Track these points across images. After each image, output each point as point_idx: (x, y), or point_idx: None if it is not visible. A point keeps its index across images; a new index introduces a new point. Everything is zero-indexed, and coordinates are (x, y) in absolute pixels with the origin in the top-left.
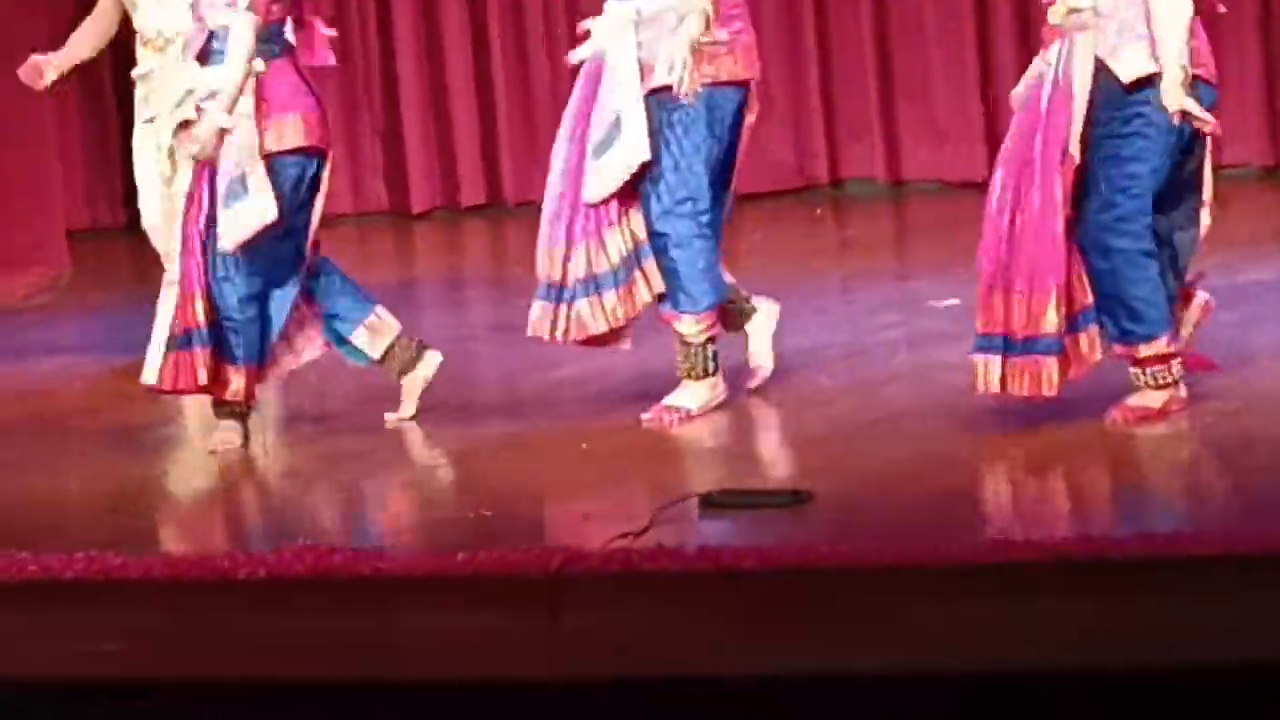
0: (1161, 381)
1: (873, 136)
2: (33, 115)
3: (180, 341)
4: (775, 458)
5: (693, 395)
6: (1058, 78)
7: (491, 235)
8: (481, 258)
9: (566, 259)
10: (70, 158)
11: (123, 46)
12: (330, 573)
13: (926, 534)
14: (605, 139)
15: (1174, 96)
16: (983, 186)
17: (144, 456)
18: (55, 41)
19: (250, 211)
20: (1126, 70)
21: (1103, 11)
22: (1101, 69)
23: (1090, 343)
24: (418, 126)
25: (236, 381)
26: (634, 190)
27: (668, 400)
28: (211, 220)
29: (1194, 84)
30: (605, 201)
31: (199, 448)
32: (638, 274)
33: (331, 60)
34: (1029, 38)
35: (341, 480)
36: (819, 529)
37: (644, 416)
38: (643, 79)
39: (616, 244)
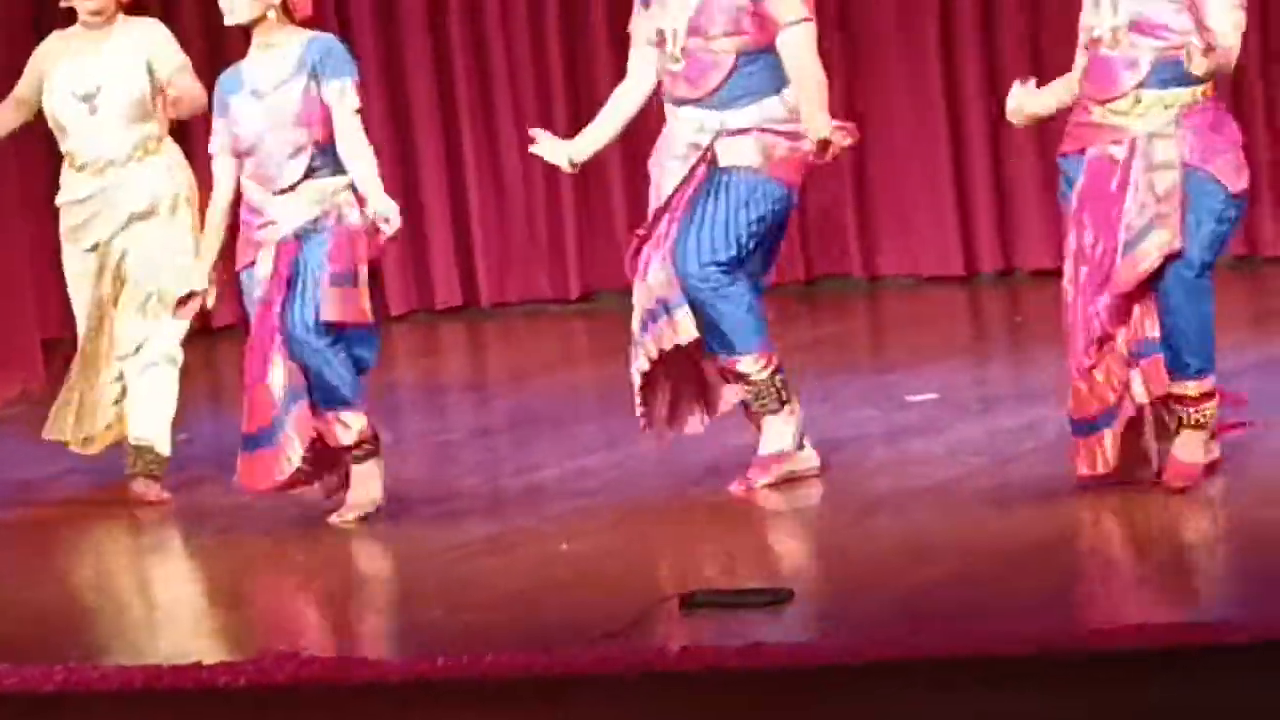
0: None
1: (847, 234)
2: (4, 227)
3: (262, 439)
4: (757, 556)
5: (779, 432)
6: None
7: (468, 337)
8: (459, 360)
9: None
10: (42, 268)
11: None
12: (310, 681)
13: (911, 628)
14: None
15: None
16: (956, 280)
17: (122, 566)
18: None
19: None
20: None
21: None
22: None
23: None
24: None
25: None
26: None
27: (761, 453)
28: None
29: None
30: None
31: (177, 555)
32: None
33: None
34: (998, 135)
35: (322, 585)
36: (803, 627)
37: (738, 486)
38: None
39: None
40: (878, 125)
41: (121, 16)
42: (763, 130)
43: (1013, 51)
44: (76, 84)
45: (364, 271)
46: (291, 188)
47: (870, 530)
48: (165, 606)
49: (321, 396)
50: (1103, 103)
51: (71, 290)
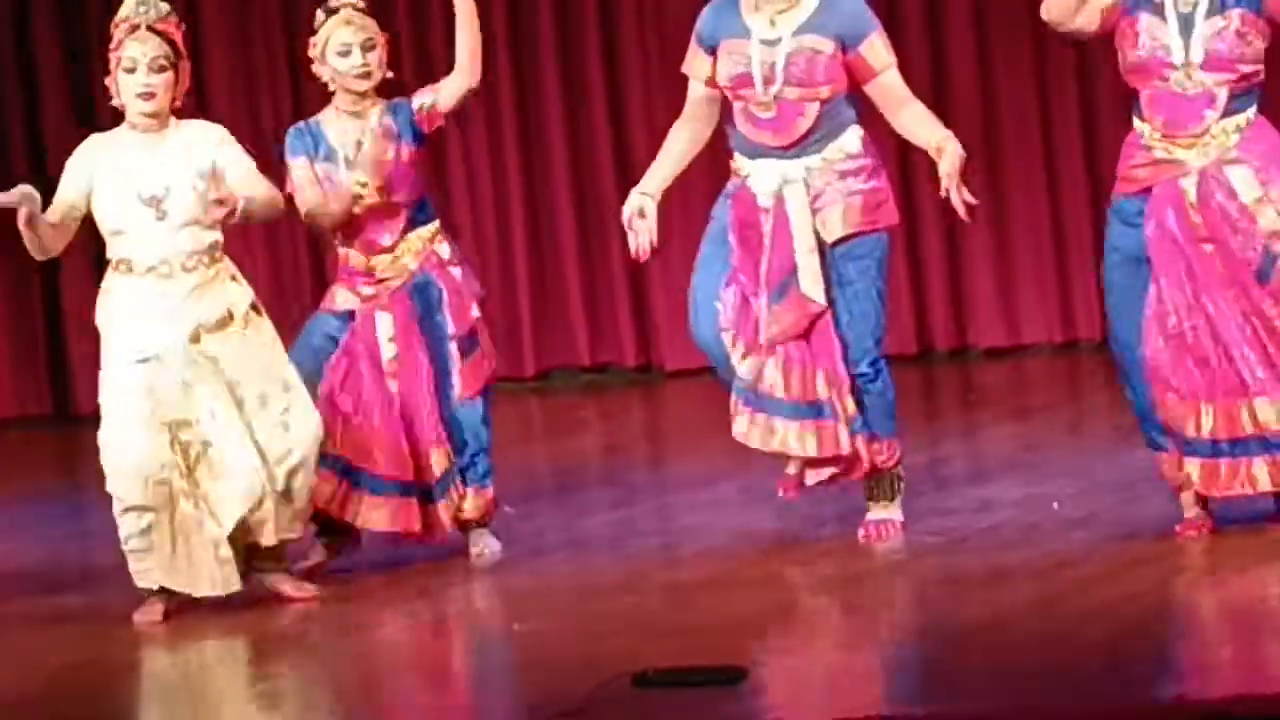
0: None
1: None
2: None
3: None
4: (711, 630)
5: (889, 509)
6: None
7: None
8: None
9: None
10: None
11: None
12: None
13: (863, 706)
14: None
15: None
16: (909, 359)
17: (76, 644)
18: None
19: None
20: None
21: None
22: None
23: None
24: None
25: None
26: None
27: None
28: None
29: None
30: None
31: (134, 631)
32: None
33: None
34: (952, 215)
35: (277, 648)
36: (757, 705)
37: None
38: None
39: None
40: None
41: (173, 119)
42: (843, 177)
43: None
44: (141, 187)
45: None
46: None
47: (822, 608)
48: (118, 685)
49: None
50: (1174, 138)
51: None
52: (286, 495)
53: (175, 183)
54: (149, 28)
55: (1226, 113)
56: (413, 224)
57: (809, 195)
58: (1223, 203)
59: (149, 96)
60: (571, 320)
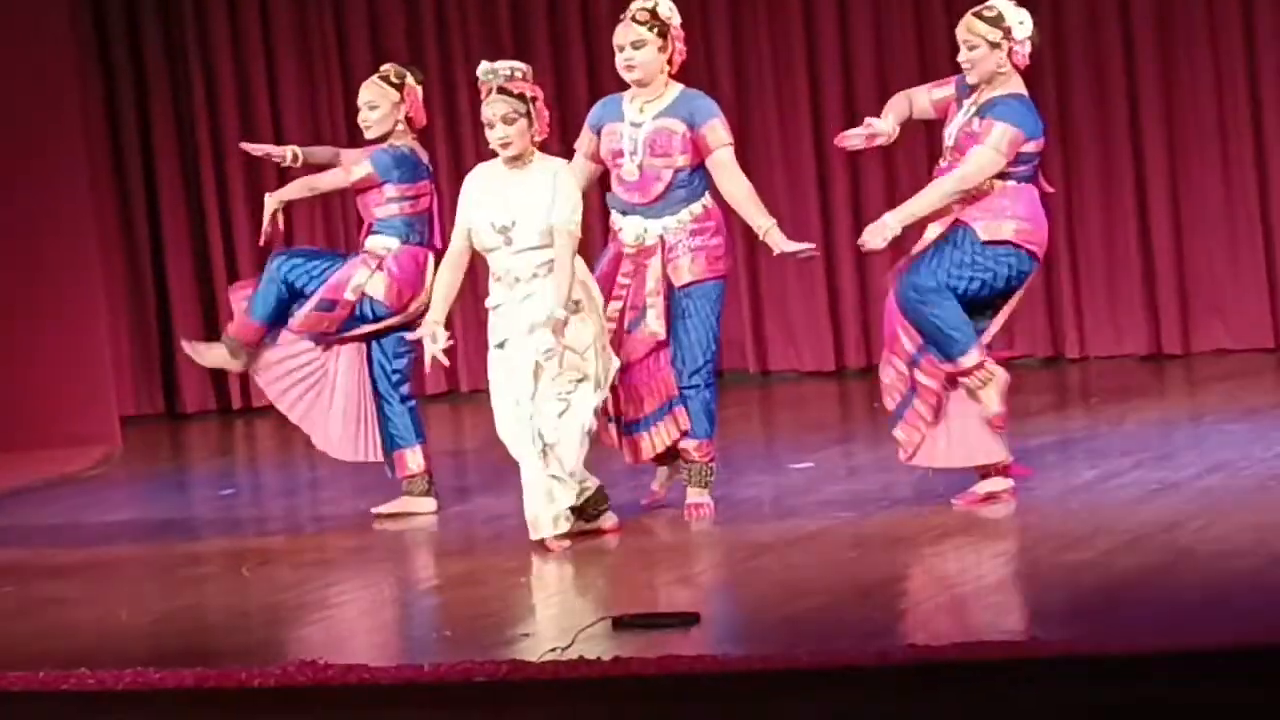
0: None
1: (744, 337)
2: (85, 317)
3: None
4: (673, 585)
5: (703, 495)
6: None
7: (451, 417)
8: (443, 435)
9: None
10: (118, 355)
11: (158, 254)
12: (326, 683)
13: (791, 644)
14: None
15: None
16: (828, 375)
17: (179, 592)
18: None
19: None
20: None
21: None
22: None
23: None
24: None
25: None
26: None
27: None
28: None
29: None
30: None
31: (227, 578)
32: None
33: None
34: (865, 257)
35: (333, 607)
36: (707, 643)
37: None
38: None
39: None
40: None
41: (537, 153)
42: (692, 235)
43: (872, 176)
44: (497, 216)
45: None
46: None
47: (760, 568)
48: (213, 623)
49: None
50: None
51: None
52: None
53: (523, 212)
54: (499, 89)
55: None
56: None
57: (664, 248)
58: None
59: (505, 145)
60: None
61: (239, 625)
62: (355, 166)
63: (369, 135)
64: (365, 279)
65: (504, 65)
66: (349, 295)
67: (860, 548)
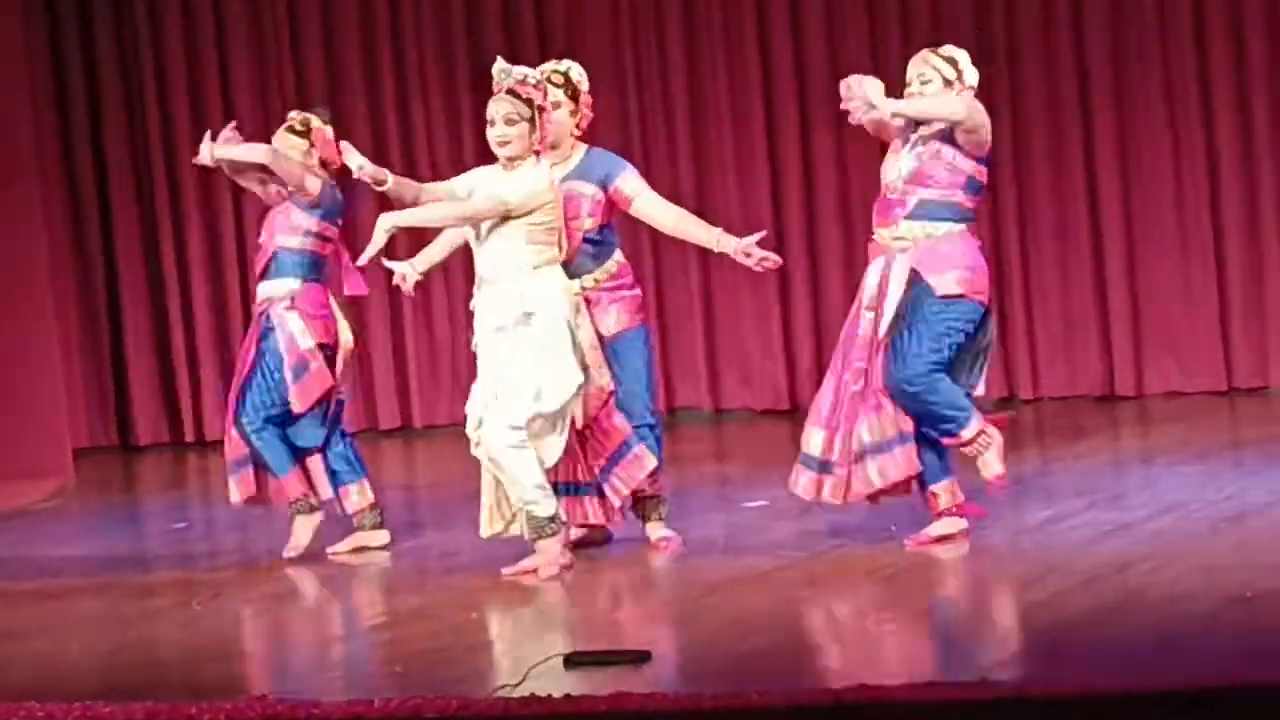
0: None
1: (698, 374)
2: (39, 349)
3: None
4: (625, 623)
5: (664, 528)
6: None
7: (405, 452)
8: (395, 470)
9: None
10: (72, 386)
11: (113, 287)
12: (277, 718)
13: (742, 682)
14: None
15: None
16: (781, 414)
17: (131, 625)
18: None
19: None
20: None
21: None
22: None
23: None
24: None
25: None
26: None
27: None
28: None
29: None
30: None
31: (179, 612)
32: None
33: (364, 290)
34: (818, 292)
35: (285, 642)
36: (658, 681)
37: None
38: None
39: None
40: (724, 288)
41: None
42: (611, 290)
43: (828, 214)
44: None
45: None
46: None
47: (712, 606)
48: (164, 657)
49: None
50: None
51: None
52: None
53: None
54: (508, 90)
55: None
56: None
57: (587, 303)
58: None
59: (502, 144)
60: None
61: (190, 660)
62: (310, 179)
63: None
64: (299, 324)
65: (519, 69)
66: (306, 344)
67: (813, 587)
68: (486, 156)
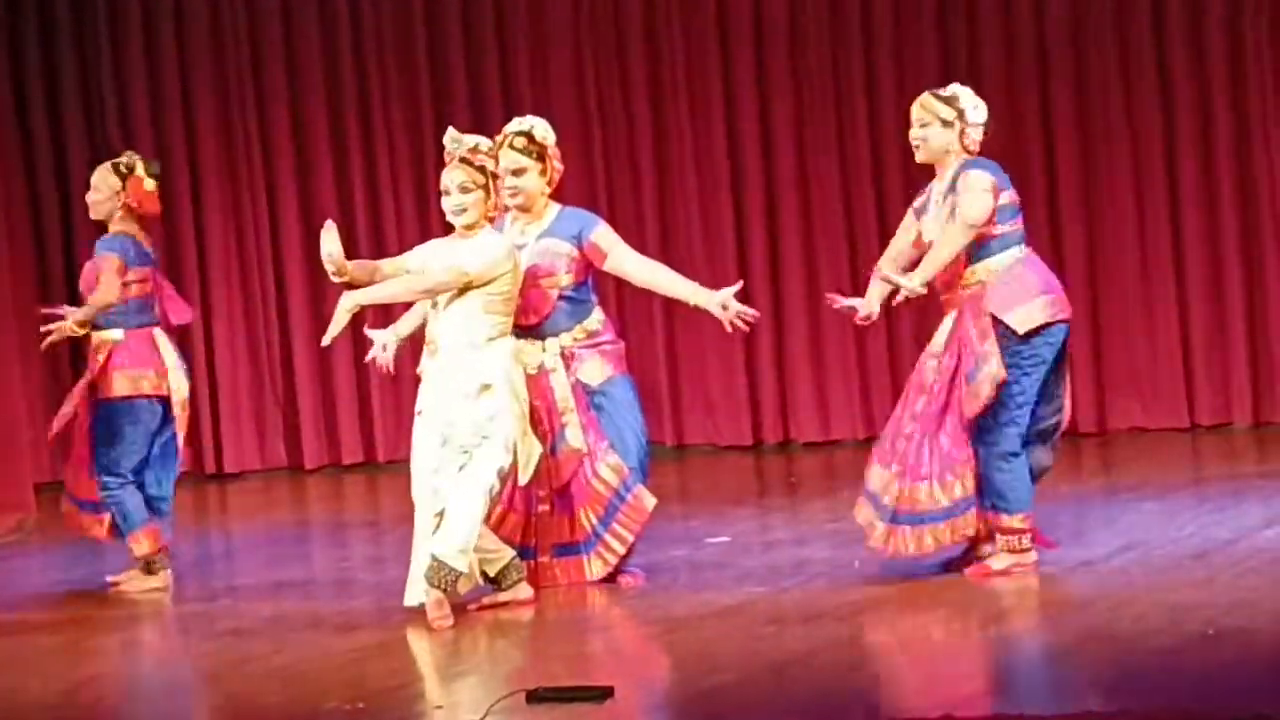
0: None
1: (661, 409)
2: (1, 385)
3: None
4: (588, 658)
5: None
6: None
7: (368, 487)
8: (359, 506)
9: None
10: (33, 420)
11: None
12: None
13: (711, 718)
14: None
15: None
16: (745, 449)
17: (90, 661)
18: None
19: None
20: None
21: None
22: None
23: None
24: (309, 400)
25: None
26: None
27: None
28: None
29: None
30: None
31: (136, 654)
32: None
33: (189, 316)
34: (781, 327)
35: (246, 677)
36: (623, 715)
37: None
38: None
39: None
40: (688, 326)
41: (488, 225)
42: (591, 345)
43: (792, 254)
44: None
45: None
46: None
47: (676, 642)
48: (124, 696)
49: None
50: None
51: None
52: None
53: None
54: (461, 159)
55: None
56: None
57: (567, 358)
58: None
59: (458, 212)
60: None
61: (149, 695)
62: (106, 269)
63: (93, 216)
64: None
65: (470, 138)
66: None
67: (777, 623)
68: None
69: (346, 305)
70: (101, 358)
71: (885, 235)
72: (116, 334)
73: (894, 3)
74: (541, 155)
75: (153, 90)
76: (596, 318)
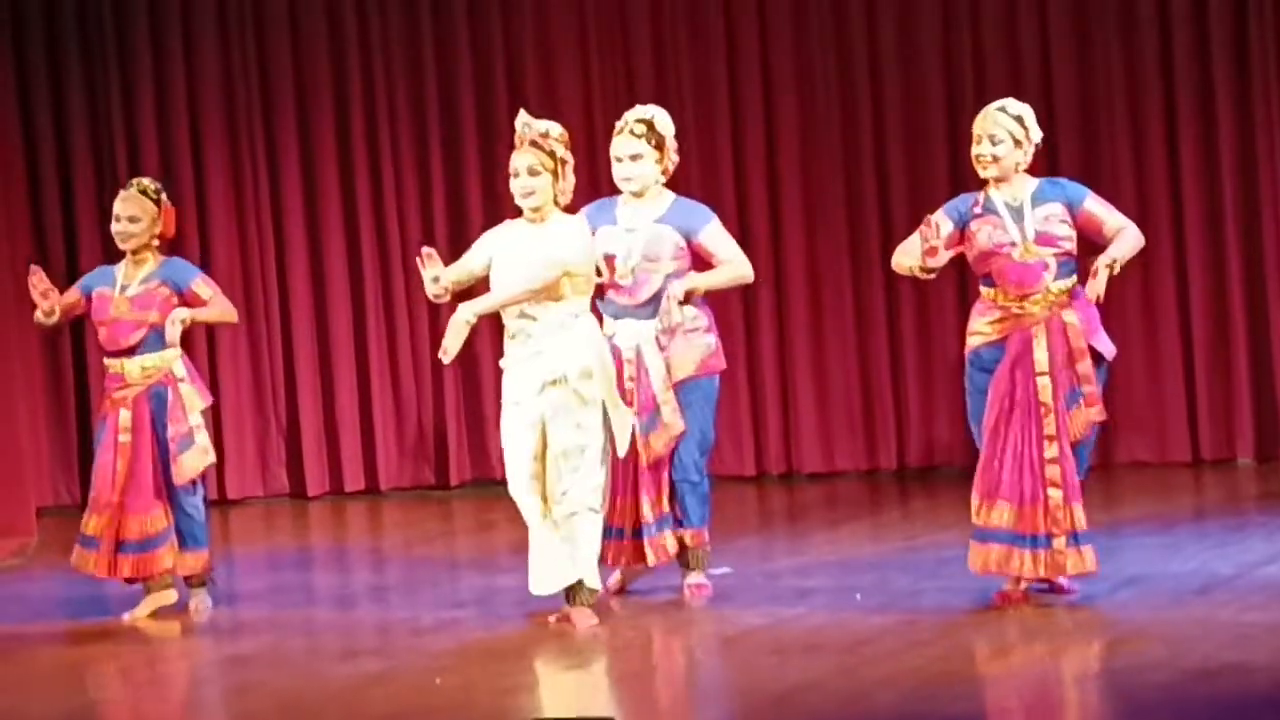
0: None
1: None
2: (5, 410)
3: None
4: (588, 687)
5: (700, 575)
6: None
7: (370, 515)
8: (361, 533)
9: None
10: (36, 445)
11: (79, 347)
12: None
13: None
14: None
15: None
16: (748, 480)
17: (93, 688)
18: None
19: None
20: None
21: None
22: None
23: None
24: (312, 429)
25: None
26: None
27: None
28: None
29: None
30: None
31: (138, 680)
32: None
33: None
34: (784, 359)
35: (248, 704)
36: None
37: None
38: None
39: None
40: None
41: (556, 211)
42: (686, 334)
43: (796, 283)
44: (509, 268)
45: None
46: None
47: (676, 672)
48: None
49: None
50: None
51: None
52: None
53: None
54: (531, 142)
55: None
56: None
57: (660, 346)
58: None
59: (527, 195)
60: (486, 437)
61: None
62: (213, 286)
63: (129, 246)
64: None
65: (541, 123)
66: (195, 420)
67: (778, 654)
68: (454, 218)
69: (465, 317)
70: (182, 373)
71: (888, 266)
72: (176, 354)
73: (898, 13)
74: (660, 144)
75: (160, 113)
76: (694, 306)
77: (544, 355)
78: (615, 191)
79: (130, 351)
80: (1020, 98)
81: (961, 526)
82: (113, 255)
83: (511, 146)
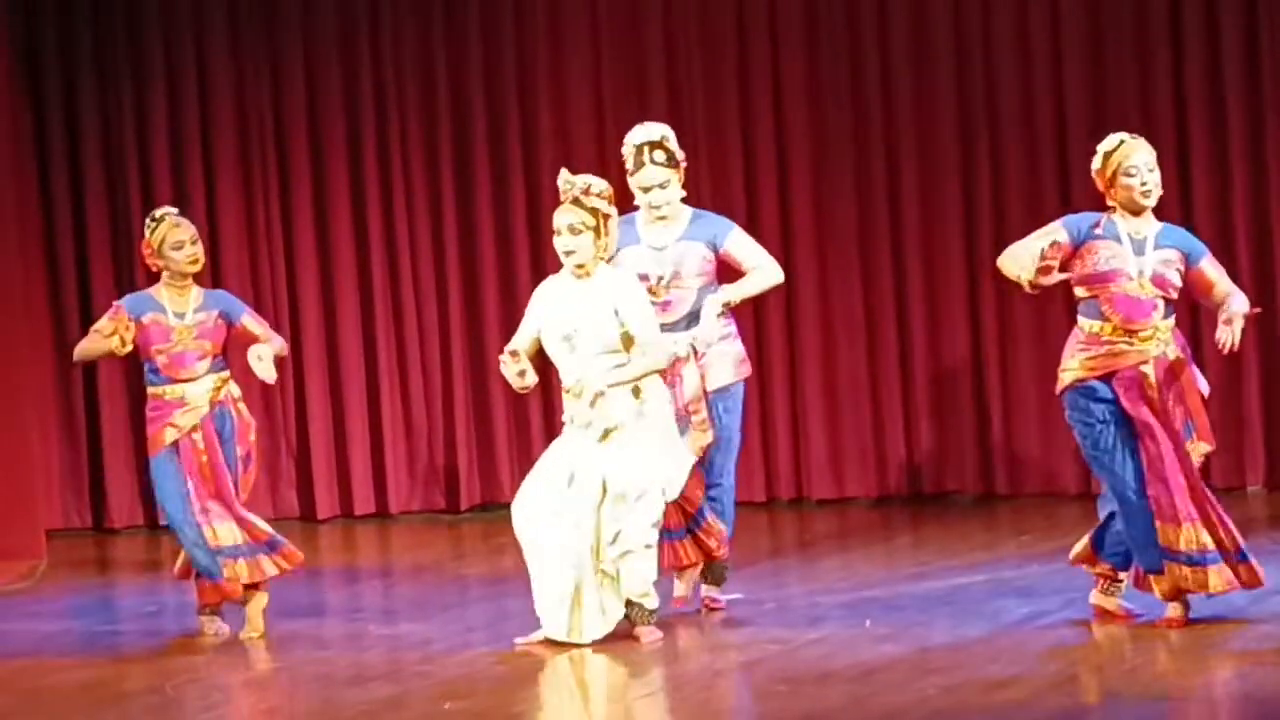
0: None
1: None
2: (17, 433)
3: None
4: (600, 716)
5: (719, 590)
6: None
7: (379, 539)
8: (371, 555)
9: None
10: (47, 468)
11: (91, 371)
12: None
13: None
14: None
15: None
16: (759, 505)
17: (101, 711)
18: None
19: None
20: None
21: None
22: None
23: None
24: (322, 452)
25: None
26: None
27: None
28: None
29: None
30: None
31: (149, 697)
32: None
33: None
34: (795, 387)
35: None
36: None
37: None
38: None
39: None
40: None
41: (601, 265)
42: (720, 340)
43: (807, 313)
44: (561, 326)
45: None
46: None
47: (686, 699)
48: None
49: None
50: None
51: None
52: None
53: (585, 322)
54: (574, 200)
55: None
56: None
57: (697, 356)
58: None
59: (569, 254)
60: (497, 463)
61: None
62: (263, 328)
63: (195, 270)
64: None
65: (583, 178)
66: (252, 437)
67: (789, 682)
68: (465, 242)
69: (597, 388)
70: (238, 393)
71: (900, 291)
72: (228, 374)
73: (910, 27)
74: (677, 164)
75: (172, 140)
76: (723, 320)
77: (605, 401)
78: (628, 205)
79: (192, 378)
80: (1033, 111)
81: (981, 554)
82: (122, 281)
83: (524, 172)
